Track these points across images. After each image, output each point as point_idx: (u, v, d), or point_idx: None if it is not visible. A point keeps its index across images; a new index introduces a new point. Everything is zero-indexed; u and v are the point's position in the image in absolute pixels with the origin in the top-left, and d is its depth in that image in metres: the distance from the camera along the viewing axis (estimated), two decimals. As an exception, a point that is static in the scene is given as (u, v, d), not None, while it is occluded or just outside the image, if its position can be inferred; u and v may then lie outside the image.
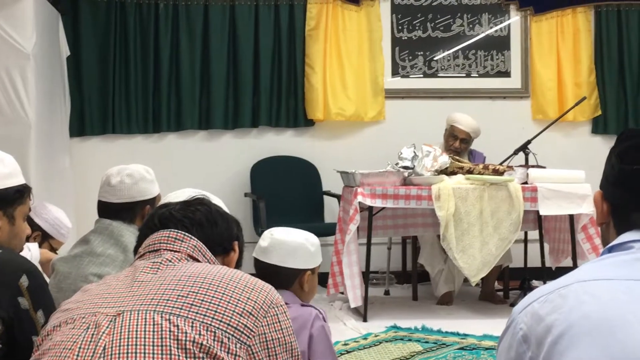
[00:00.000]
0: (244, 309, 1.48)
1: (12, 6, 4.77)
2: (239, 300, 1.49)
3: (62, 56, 5.80)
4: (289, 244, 2.49)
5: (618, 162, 1.40)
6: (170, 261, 1.61)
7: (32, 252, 3.27)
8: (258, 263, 2.53)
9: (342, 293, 5.24)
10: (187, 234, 1.69)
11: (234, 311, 1.47)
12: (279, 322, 1.52)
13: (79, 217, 5.56)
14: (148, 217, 1.81)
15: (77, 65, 6.13)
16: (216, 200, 2.05)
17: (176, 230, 1.69)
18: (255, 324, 1.48)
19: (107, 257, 2.59)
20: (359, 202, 4.88)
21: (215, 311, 1.46)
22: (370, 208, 4.98)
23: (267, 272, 2.45)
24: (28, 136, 4.73)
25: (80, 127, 6.17)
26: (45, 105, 5.16)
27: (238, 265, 1.84)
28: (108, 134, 6.22)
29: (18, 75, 4.73)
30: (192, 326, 1.43)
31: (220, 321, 1.45)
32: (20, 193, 2.19)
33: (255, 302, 1.50)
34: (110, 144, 6.23)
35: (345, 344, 4.42)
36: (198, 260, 1.66)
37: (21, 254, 2.21)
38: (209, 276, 1.53)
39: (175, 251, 1.65)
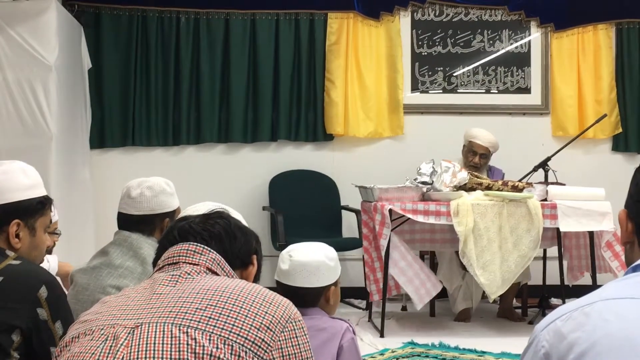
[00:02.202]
0: (261, 323, 1.48)
1: (36, 19, 4.82)
2: (256, 314, 1.49)
3: (84, 68, 5.85)
4: (310, 264, 2.47)
5: None
6: (189, 274, 1.61)
7: (50, 263, 3.28)
8: (281, 286, 2.50)
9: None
10: (206, 247, 1.69)
11: (251, 325, 1.47)
12: (297, 337, 1.52)
13: (99, 229, 5.60)
14: (167, 230, 1.81)
15: (98, 78, 6.16)
16: (235, 214, 2.05)
17: (195, 244, 1.69)
18: (273, 338, 1.47)
19: (125, 269, 2.60)
20: (390, 209, 4.87)
21: (233, 325, 1.46)
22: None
23: (292, 294, 2.44)
24: (49, 147, 4.77)
25: (100, 139, 6.20)
26: (67, 117, 5.20)
27: (256, 279, 1.84)
28: (128, 146, 6.25)
29: (40, 87, 4.77)
30: (209, 339, 1.43)
31: (238, 335, 1.44)
32: (42, 204, 2.20)
33: (273, 316, 1.50)
34: (130, 156, 6.26)
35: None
36: (217, 274, 1.66)
37: (40, 265, 2.22)
38: (227, 290, 1.53)
39: (194, 264, 1.65)
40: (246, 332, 1.45)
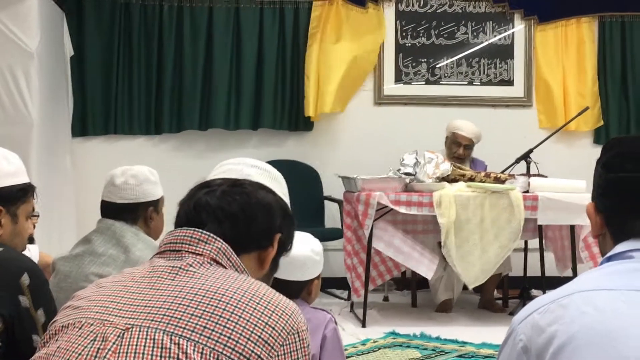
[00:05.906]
0: (259, 336, 1.39)
1: (17, 5, 4.77)
2: (256, 325, 1.40)
3: (66, 56, 5.81)
4: (295, 258, 2.39)
5: (604, 172, 1.41)
6: (191, 266, 1.51)
7: (31, 253, 3.26)
8: None
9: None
10: (212, 235, 1.57)
11: (248, 339, 1.38)
12: (296, 350, 1.43)
13: (80, 217, 5.57)
14: (188, 195, 1.68)
15: (80, 65, 6.11)
16: (279, 181, 1.98)
17: (200, 231, 1.57)
18: (270, 354, 1.39)
19: (108, 257, 2.59)
20: (377, 202, 4.88)
21: (229, 337, 1.38)
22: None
23: (274, 285, 2.43)
24: (30, 135, 4.73)
25: (82, 127, 6.16)
26: (48, 105, 5.16)
27: (275, 262, 1.73)
28: (110, 135, 6.22)
29: (21, 74, 4.73)
30: (201, 353, 1.35)
31: (233, 349, 1.37)
32: (24, 192, 2.19)
33: (274, 328, 1.41)
34: (111, 145, 6.23)
35: (344, 350, 4.41)
36: (222, 265, 1.55)
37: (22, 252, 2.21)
38: (228, 293, 1.44)
39: (197, 254, 1.54)
40: (242, 347, 1.37)
